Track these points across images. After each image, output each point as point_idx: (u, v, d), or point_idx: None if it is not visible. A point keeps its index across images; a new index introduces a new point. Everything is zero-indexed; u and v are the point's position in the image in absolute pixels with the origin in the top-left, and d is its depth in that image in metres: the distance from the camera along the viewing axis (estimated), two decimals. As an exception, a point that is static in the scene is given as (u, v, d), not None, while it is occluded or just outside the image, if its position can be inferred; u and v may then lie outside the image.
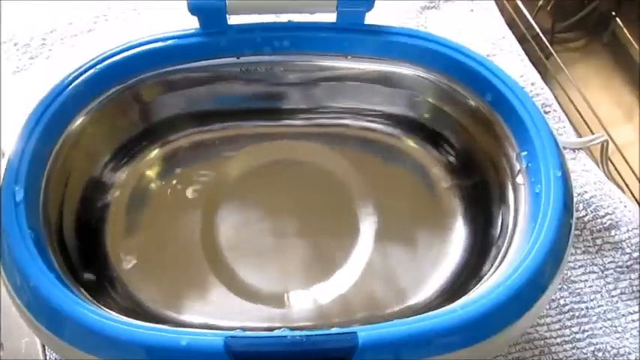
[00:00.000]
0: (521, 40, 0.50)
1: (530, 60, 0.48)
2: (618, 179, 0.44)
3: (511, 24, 0.51)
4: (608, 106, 0.51)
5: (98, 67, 0.32)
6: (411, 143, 0.38)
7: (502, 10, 0.52)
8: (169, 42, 0.34)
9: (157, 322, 0.29)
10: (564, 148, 0.42)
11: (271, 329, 0.31)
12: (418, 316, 0.26)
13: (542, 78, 0.47)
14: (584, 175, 0.41)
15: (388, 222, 0.36)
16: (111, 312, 0.28)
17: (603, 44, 0.55)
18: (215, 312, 0.32)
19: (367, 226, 0.36)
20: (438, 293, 0.33)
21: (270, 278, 0.34)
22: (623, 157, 0.46)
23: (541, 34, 0.52)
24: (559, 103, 0.46)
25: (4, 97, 0.45)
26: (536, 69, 0.47)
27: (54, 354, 0.35)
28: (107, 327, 0.26)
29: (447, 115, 0.36)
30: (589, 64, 0.55)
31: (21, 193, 0.28)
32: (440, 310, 0.27)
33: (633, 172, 0.45)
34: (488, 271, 0.31)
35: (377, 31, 0.34)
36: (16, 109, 0.43)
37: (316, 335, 0.25)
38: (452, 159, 0.37)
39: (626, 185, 0.45)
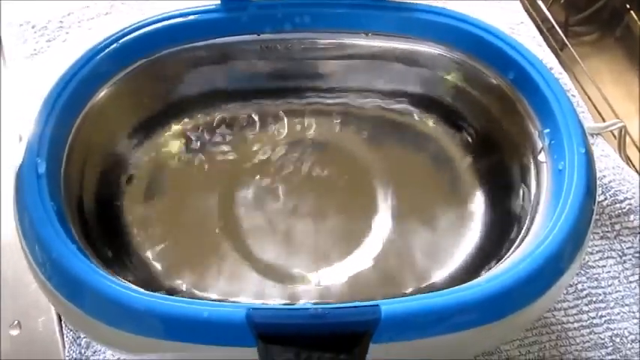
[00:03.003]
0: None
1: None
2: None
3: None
4: (620, 100, 0.51)
5: (119, 42, 0.32)
6: (430, 122, 0.38)
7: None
8: (190, 17, 0.34)
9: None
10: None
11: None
12: (441, 291, 0.26)
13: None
14: (603, 160, 0.41)
15: (407, 201, 0.35)
16: (130, 284, 0.28)
17: (616, 38, 0.55)
18: (234, 289, 0.32)
19: (386, 205, 0.35)
20: (458, 271, 0.33)
21: (290, 256, 0.34)
22: (638, 150, 0.46)
23: (556, 26, 0.52)
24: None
25: (20, 79, 0.45)
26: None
27: (70, 332, 0.35)
28: (128, 298, 0.26)
29: (467, 94, 0.36)
30: (602, 58, 0.54)
31: (43, 166, 0.28)
32: (462, 285, 0.27)
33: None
34: (510, 249, 0.30)
35: (399, 7, 0.34)
36: (32, 91, 0.44)
37: (339, 308, 0.25)
38: (471, 138, 0.37)
39: (640, 176, 0.44)
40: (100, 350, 0.35)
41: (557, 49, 0.51)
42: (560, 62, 0.47)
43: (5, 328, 0.36)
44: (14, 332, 0.36)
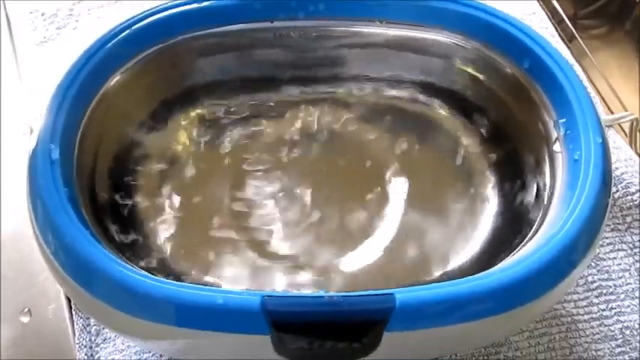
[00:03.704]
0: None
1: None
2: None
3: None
4: (629, 94, 0.50)
5: (132, 28, 0.32)
6: (443, 112, 0.38)
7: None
8: (204, 4, 0.34)
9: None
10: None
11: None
12: (455, 280, 0.26)
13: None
14: (615, 152, 0.41)
15: (419, 190, 0.35)
16: (142, 271, 0.28)
17: (625, 32, 0.54)
18: (245, 277, 0.32)
19: (398, 194, 0.35)
20: (471, 261, 0.33)
21: (302, 245, 0.34)
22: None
23: (565, 18, 0.51)
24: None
25: (30, 67, 0.46)
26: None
27: (80, 320, 0.35)
28: (141, 284, 0.25)
29: (481, 83, 0.36)
30: (611, 52, 0.54)
31: (56, 152, 0.28)
32: (477, 275, 0.27)
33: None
34: (524, 239, 0.30)
35: (413, -4, 0.34)
36: (42, 79, 0.44)
37: (353, 296, 0.25)
38: (485, 127, 0.37)
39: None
40: (109, 338, 0.35)
41: (567, 41, 0.51)
42: (571, 54, 0.47)
43: (16, 315, 0.36)
44: (25, 319, 0.36)
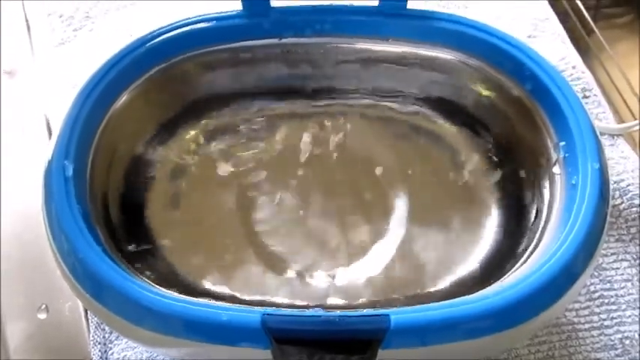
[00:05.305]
0: (564, 15, 0.49)
1: (572, 37, 0.47)
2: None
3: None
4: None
5: (144, 46, 0.33)
6: (448, 127, 0.38)
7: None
8: (213, 23, 0.34)
9: (194, 294, 0.31)
10: (602, 134, 0.42)
11: (304, 307, 0.32)
12: (450, 301, 0.27)
13: (584, 56, 0.46)
14: (622, 162, 0.41)
15: (421, 205, 0.36)
16: (152, 284, 0.29)
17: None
18: (248, 287, 0.33)
19: (400, 208, 0.36)
20: (470, 277, 0.33)
21: (305, 256, 0.34)
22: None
23: (583, 10, 0.50)
24: (600, 84, 0.45)
25: (48, 68, 0.46)
26: (578, 46, 0.46)
27: (95, 318, 0.37)
28: (150, 300, 0.27)
29: (486, 101, 0.36)
30: (633, 42, 0.53)
31: (70, 169, 0.29)
32: (471, 296, 0.27)
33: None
34: (521, 258, 0.31)
35: (419, 16, 0.34)
36: (60, 79, 0.45)
37: (349, 316, 0.26)
38: (489, 145, 0.37)
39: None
40: (122, 336, 0.36)
41: (585, 34, 0.50)
42: (584, 55, 0.46)
43: (33, 311, 0.37)
44: (42, 316, 0.37)
